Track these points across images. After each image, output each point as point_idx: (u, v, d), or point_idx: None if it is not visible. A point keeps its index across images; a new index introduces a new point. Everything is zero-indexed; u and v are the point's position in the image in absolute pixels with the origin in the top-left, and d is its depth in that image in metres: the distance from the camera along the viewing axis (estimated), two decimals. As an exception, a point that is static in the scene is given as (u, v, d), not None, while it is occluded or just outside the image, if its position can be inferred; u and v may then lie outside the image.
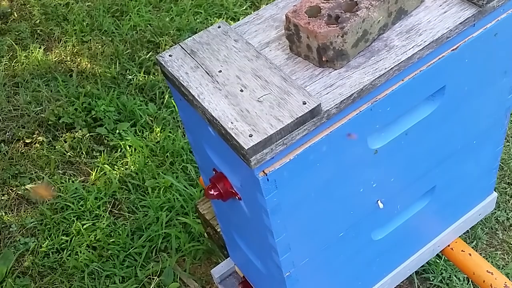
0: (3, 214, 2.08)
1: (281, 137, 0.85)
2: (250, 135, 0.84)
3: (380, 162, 1.04)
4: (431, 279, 1.79)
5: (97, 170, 2.17)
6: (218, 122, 0.87)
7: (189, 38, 1.00)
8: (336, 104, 0.89)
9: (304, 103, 0.86)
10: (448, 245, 1.47)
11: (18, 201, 2.10)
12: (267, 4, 1.12)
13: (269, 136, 0.84)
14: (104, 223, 2.02)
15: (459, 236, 1.49)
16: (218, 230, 1.52)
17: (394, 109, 0.98)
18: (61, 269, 1.91)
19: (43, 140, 2.28)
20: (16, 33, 2.79)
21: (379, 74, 0.91)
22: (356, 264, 1.24)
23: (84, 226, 2.01)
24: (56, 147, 2.27)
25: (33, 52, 2.66)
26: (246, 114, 0.87)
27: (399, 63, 0.92)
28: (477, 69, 1.07)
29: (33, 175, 2.18)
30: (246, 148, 0.83)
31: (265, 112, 0.87)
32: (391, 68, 0.92)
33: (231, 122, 0.86)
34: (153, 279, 1.87)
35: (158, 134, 2.25)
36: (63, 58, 2.64)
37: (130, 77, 2.47)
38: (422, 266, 1.66)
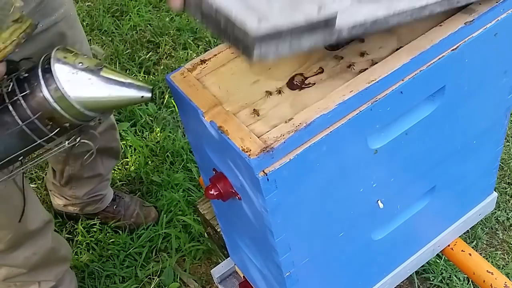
0: (3, 214, 2.08)
1: (290, 34, 0.78)
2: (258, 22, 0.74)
3: (380, 162, 1.04)
4: (431, 279, 1.79)
5: (97, 170, 2.17)
6: (221, 13, 0.78)
7: None
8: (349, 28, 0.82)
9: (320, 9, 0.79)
10: (448, 245, 1.47)
11: (18, 201, 2.09)
12: None
13: (279, 29, 0.75)
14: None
15: (459, 236, 1.49)
16: (218, 230, 1.52)
17: (394, 109, 0.98)
18: (61, 269, 1.91)
19: (43, 140, 2.28)
20: (16, 33, 2.79)
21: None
22: (356, 264, 1.24)
23: (84, 226, 2.01)
24: (56, 147, 2.26)
25: (33, 52, 2.66)
26: (253, 6, 0.77)
27: (399, 63, 0.92)
28: (477, 69, 1.07)
29: (33, 175, 2.18)
30: (253, 36, 0.74)
31: (276, 9, 0.78)
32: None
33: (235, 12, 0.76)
34: (153, 279, 1.87)
35: (158, 134, 2.25)
36: (63, 58, 2.63)
37: (130, 77, 2.47)
38: (422, 266, 1.66)
